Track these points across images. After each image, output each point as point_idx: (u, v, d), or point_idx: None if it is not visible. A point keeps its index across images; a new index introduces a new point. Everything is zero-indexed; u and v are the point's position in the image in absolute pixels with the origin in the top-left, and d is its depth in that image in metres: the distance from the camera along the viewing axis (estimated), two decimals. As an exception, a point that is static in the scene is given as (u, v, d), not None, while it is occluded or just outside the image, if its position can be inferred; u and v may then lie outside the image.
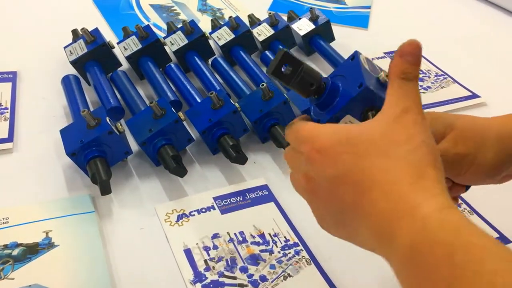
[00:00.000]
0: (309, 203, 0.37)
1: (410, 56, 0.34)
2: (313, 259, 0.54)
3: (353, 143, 0.32)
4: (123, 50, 0.79)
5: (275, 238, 0.56)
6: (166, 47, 0.80)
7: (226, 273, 0.52)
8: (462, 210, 0.61)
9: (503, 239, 0.57)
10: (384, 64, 0.91)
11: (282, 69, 0.38)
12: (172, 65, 0.78)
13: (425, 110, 0.36)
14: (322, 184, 0.34)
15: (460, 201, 0.62)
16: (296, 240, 0.56)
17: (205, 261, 0.53)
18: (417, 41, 0.35)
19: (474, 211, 0.61)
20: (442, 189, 0.31)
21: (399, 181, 0.31)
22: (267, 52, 0.83)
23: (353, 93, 0.39)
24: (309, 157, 0.34)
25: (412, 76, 0.34)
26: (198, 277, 0.51)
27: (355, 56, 0.41)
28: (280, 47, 0.39)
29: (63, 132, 0.61)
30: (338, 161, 0.32)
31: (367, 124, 0.34)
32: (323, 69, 0.87)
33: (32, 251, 0.52)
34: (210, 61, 0.82)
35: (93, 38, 0.76)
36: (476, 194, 0.63)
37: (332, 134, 0.34)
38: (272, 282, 0.51)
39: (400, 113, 0.33)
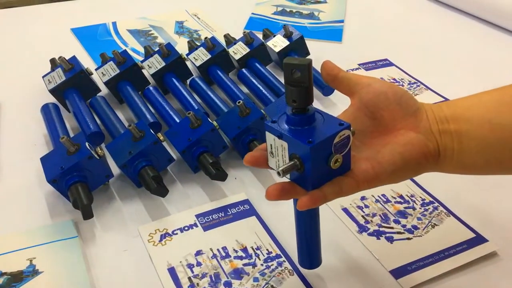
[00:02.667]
0: None
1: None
2: (295, 269, 0.55)
3: None
4: (102, 76, 0.80)
5: (258, 251, 0.57)
6: (144, 71, 0.82)
7: (210, 288, 0.52)
8: (438, 212, 0.62)
9: (479, 239, 0.59)
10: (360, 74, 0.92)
11: (293, 71, 0.40)
12: (151, 88, 0.80)
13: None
14: None
15: (436, 203, 0.64)
16: (279, 252, 0.57)
17: (189, 278, 0.53)
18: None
19: (450, 213, 0.62)
20: None
21: None
22: (243, 70, 0.85)
23: (299, 139, 0.40)
24: None
25: None
26: (183, 294, 0.52)
27: (344, 126, 0.41)
28: (308, 58, 0.44)
29: (44, 159, 0.62)
30: None
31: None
32: (300, 83, 0.89)
33: (16, 279, 0.52)
34: (188, 81, 0.84)
35: (71, 66, 0.77)
36: (453, 196, 0.65)
37: None
38: (256, 294, 0.52)
39: None
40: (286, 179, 0.43)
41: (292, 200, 0.46)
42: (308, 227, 0.48)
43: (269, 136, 0.43)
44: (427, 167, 0.45)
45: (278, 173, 0.40)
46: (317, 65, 0.87)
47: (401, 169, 0.44)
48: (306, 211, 0.46)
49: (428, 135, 0.44)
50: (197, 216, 0.61)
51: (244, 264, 0.55)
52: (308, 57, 0.92)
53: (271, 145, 0.43)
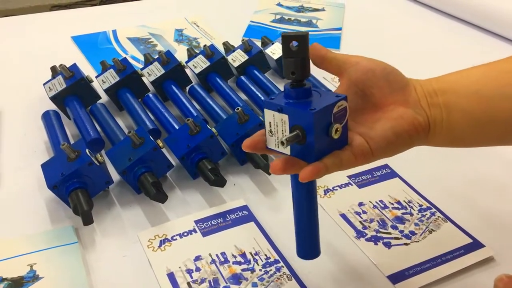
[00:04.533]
0: None
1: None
2: (293, 274, 0.55)
3: None
4: (102, 83, 0.81)
5: (256, 257, 0.57)
6: (144, 78, 0.83)
7: (209, 294, 0.53)
8: (436, 218, 0.63)
9: (476, 244, 0.59)
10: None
11: (291, 42, 0.41)
12: (150, 95, 0.80)
13: None
14: None
15: (433, 209, 0.64)
16: (277, 257, 0.57)
17: (188, 283, 0.54)
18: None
19: (447, 218, 0.63)
20: None
21: None
22: (242, 77, 0.86)
23: (301, 108, 0.42)
24: None
25: None
26: (182, 299, 0.52)
27: (341, 97, 0.43)
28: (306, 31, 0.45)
29: (44, 166, 0.63)
30: None
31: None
32: (298, 90, 0.90)
33: (17, 284, 0.53)
34: (187, 89, 0.85)
35: (72, 74, 0.78)
36: (450, 202, 0.65)
37: None
38: (254, 299, 0.52)
39: None
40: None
41: (291, 203, 0.47)
42: (306, 211, 0.47)
43: (268, 113, 0.44)
44: (418, 141, 0.47)
45: (282, 143, 0.41)
46: (315, 72, 0.89)
47: (394, 143, 0.45)
48: (305, 195, 0.46)
49: (417, 108, 0.46)
50: (196, 222, 0.62)
51: (243, 270, 0.56)
52: (306, 64, 0.93)
53: (270, 122, 0.44)
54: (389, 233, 0.60)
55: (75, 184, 0.59)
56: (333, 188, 0.67)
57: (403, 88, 0.46)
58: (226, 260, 0.57)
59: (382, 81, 0.46)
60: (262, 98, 0.80)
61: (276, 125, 0.44)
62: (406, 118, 0.45)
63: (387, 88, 0.46)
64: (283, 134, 0.43)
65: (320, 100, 0.43)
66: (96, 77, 0.82)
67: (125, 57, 0.83)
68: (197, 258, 0.57)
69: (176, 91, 0.81)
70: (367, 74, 0.46)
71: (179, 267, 0.56)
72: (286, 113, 0.42)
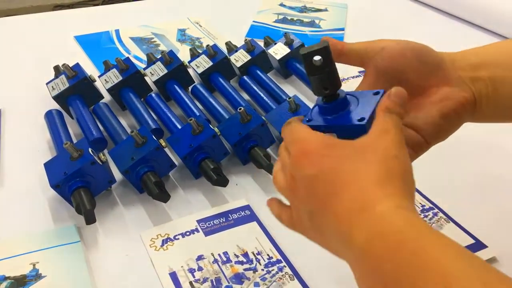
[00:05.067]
0: (290, 202, 0.39)
1: (395, 97, 0.37)
2: (296, 274, 0.55)
3: (336, 149, 0.35)
4: (105, 83, 0.81)
5: (259, 256, 0.57)
6: (146, 78, 0.83)
7: (211, 293, 0.53)
8: (438, 218, 0.63)
9: (479, 245, 0.59)
10: (358, 83, 0.94)
11: (314, 58, 0.38)
12: (153, 95, 0.80)
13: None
14: (301, 183, 0.36)
15: (436, 209, 0.64)
16: (279, 257, 0.57)
17: (191, 283, 0.54)
18: (403, 90, 0.38)
19: (450, 219, 0.63)
20: (406, 196, 0.33)
21: (365, 180, 0.33)
22: (245, 77, 0.86)
23: (349, 122, 0.39)
24: (294, 157, 0.37)
25: (395, 111, 0.37)
26: (184, 299, 0.52)
27: (380, 93, 0.40)
28: (324, 39, 0.42)
29: (47, 165, 0.63)
30: (318, 163, 0.35)
31: (355, 139, 0.36)
32: (301, 90, 0.90)
33: (20, 283, 0.53)
34: (190, 88, 0.85)
35: (74, 73, 0.78)
36: (452, 203, 0.65)
37: (321, 140, 0.36)
38: (256, 299, 0.52)
39: (380, 133, 0.36)
40: None
41: None
42: None
43: None
44: (466, 117, 0.44)
45: None
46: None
47: (443, 126, 0.43)
48: None
49: (461, 85, 0.43)
50: (199, 221, 0.62)
51: (245, 269, 0.56)
52: (309, 64, 0.93)
53: None
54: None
55: (78, 183, 0.60)
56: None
57: (440, 66, 0.43)
58: (229, 260, 0.57)
59: (416, 63, 0.43)
60: (265, 98, 0.80)
61: None
62: (453, 97, 0.42)
63: (422, 70, 0.43)
64: None
65: (361, 105, 0.40)
66: (99, 76, 0.82)
67: (128, 57, 0.83)
68: (200, 258, 0.57)
69: (179, 90, 0.81)
70: (397, 59, 0.43)
71: (181, 267, 0.56)
72: (334, 131, 0.39)
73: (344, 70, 0.97)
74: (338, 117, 0.40)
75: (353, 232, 0.31)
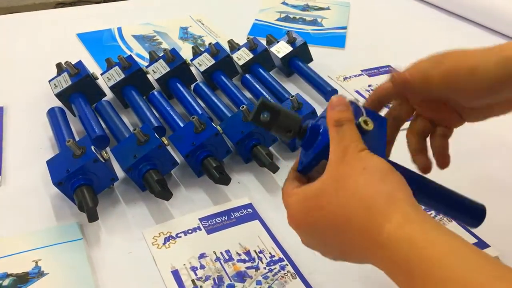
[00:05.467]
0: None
1: (338, 106, 0.40)
2: (298, 273, 0.55)
3: (313, 201, 0.38)
4: (107, 80, 0.81)
5: (261, 255, 0.57)
6: (149, 76, 0.83)
7: (213, 291, 0.53)
8: (440, 218, 0.63)
9: (481, 244, 0.59)
10: (361, 81, 0.94)
11: (262, 116, 0.41)
12: (155, 93, 0.80)
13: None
14: (311, 240, 0.41)
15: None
16: (281, 256, 0.57)
17: (193, 281, 0.54)
18: (341, 96, 0.41)
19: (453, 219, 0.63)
20: (398, 196, 0.35)
21: (355, 212, 0.36)
22: (247, 75, 0.86)
23: (323, 142, 0.40)
24: (289, 224, 0.41)
25: (344, 121, 0.39)
26: (186, 297, 0.52)
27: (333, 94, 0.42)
28: (261, 97, 0.43)
29: (50, 162, 0.63)
30: (311, 224, 0.39)
31: (320, 179, 0.38)
32: (303, 89, 0.90)
33: (22, 280, 0.53)
34: (192, 86, 0.85)
35: (77, 71, 0.78)
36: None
37: (297, 203, 0.40)
38: (258, 297, 0.52)
39: (341, 155, 0.38)
40: None
41: None
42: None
43: None
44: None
45: None
46: (319, 70, 0.89)
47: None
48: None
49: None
50: (201, 219, 0.62)
51: (247, 268, 0.56)
52: (311, 63, 0.93)
53: None
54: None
55: (80, 181, 0.60)
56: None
57: (478, 78, 0.44)
58: (231, 258, 0.57)
59: (451, 92, 0.46)
60: (267, 96, 0.80)
61: None
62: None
63: (465, 93, 0.45)
64: None
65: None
66: (101, 74, 0.82)
67: (130, 55, 0.83)
68: (202, 256, 0.57)
69: (181, 88, 0.81)
70: (430, 96, 0.47)
71: (184, 265, 0.56)
72: (320, 159, 0.41)
73: (345, 68, 0.97)
74: (317, 144, 0.42)
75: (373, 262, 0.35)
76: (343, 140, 0.38)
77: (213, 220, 0.62)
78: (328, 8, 1.25)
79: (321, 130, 0.42)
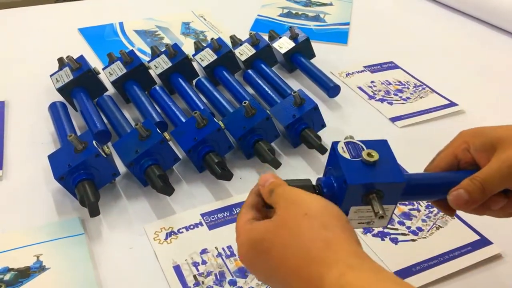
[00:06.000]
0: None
1: (264, 183, 0.43)
2: (300, 269, 0.55)
3: (258, 247, 0.39)
4: (109, 75, 0.80)
5: (263, 251, 0.57)
6: (150, 71, 0.82)
7: (215, 287, 0.53)
8: (443, 215, 0.62)
9: (483, 241, 0.59)
10: (364, 77, 0.93)
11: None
12: (157, 88, 0.80)
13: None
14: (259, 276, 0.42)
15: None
16: (283, 252, 0.57)
17: (194, 276, 0.54)
18: (265, 174, 0.44)
19: (455, 215, 0.62)
20: (337, 244, 0.36)
21: (295, 270, 0.36)
22: (249, 71, 0.85)
23: (342, 193, 0.41)
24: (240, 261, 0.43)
25: (273, 187, 0.41)
26: (188, 292, 0.52)
27: (334, 148, 0.43)
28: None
29: (51, 157, 0.63)
30: (256, 267, 0.40)
31: (265, 222, 0.40)
32: (305, 84, 0.90)
33: (23, 275, 0.53)
34: (194, 82, 0.84)
35: (79, 65, 0.78)
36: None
37: (243, 246, 0.41)
38: (260, 293, 0.52)
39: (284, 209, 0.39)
40: None
41: None
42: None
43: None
44: None
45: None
46: (322, 66, 0.88)
47: None
48: None
49: None
50: (203, 215, 0.61)
51: (249, 263, 0.55)
52: (314, 59, 0.92)
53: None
54: (396, 229, 0.60)
55: (82, 176, 0.59)
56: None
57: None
58: (233, 254, 0.56)
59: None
60: (269, 92, 0.80)
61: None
62: None
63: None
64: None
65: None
66: (103, 69, 0.82)
67: (132, 50, 0.83)
68: (204, 251, 0.57)
69: (183, 84, 0.81)
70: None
71: (185, 260, 0.55)
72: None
73: (348, 64, 0.96)
74: (338, 197, 0.42)
75: None
76: (277, 203, 0.40)
77: (215, 215, 0.61)
78: (330, 4, 1.25)
79: (335, 187, 0.43)
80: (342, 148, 0.43)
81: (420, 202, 0.64)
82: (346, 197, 0.41)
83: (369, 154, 0.41)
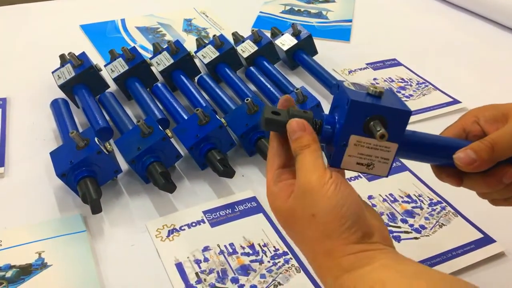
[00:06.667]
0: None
1: (293, 135, 0.40)
2: (302, 266, 0.55)
3: (288, 220, 0.40)
4: (110, 72, 0.80)
5: (265, 248, 0.57)
6: (152, 68, 0.82)
7: (217, 284, 0.53)
8: (446, 212, 0.62)
9: (487, 239, 0.58)
10: (366, 75, 0.93)
11: (273, 115, 0.41)
12: (159, 85, 0.80)
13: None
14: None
15: (444, 203, 0.64)
16: (285, 249, 0.57)
17: (197, 273, 0.54)
18: (293, 120, 0.40)
19: (458, 213, 0.62)
20: (335, 259, 0.37)
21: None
22: (251, 68, 0.85)
23: (344, 113, 0.40)
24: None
25: (300, 146, 0.40)
26: (190, 289, 0.52)
27: (339, 85, 0.42)
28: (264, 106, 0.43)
29: (53, 154, 0.63)
30: (290, 230, 0.41)
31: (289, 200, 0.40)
32: (308, 82, 0.89)
33: (25, 272, 0.53)
34: (196, 79, 0.84)
35: (80, 62, 0.77)
36: (460, 197, 0.64)
37: (278, 213, 0.41)
38: (262, 291, 0.52)
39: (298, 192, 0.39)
40: None
41: None
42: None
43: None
44: None
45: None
46: (324, 63, 0.88)
47: None
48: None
49: None
50: (205, 212, 0.61)
51: (251, 261, 0.55)
52: (316, 56, 0.92)
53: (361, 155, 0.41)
54: (399, 227, 0.60)
55: (84, 173, 0.59)
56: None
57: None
58: (235, 251, 0.56)
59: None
60: (271, 89, 0.80)
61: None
62: None
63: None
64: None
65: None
66: (105, 66, 0.82)
67: (134, 46, 0.83)
68: (206, 249, 0.56)
69: (185, 81, 0.81)
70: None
71: (188, 257, 0.55)
72: (339, 143, 0.41)
73: (350, 61, 0.96)
74: (337, 128, 0.41)
75: None
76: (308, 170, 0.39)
77: (217, 213, 0.61)
78: (333, 1, 1.24)
79: (336, 119, 0.41)
80: (348, 84, 0.42)
81: (423, 200, 0.64)
82: (347, 119, 0.39)
83: (374, 87, 0.40)
